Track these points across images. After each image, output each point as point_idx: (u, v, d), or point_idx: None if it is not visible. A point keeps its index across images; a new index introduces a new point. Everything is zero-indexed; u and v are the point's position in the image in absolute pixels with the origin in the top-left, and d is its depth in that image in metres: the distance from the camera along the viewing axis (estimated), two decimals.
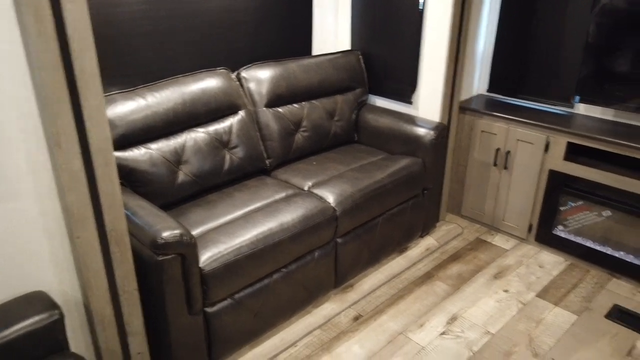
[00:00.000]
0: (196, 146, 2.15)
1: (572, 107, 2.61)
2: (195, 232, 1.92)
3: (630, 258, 2.38)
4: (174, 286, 1.64)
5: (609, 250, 2.44)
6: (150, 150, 2.02)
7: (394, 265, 2.56)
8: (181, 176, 2.09)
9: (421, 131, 2.56)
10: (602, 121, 2.47)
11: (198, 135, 2.17)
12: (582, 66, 2.41)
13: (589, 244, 2.50)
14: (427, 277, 2.48)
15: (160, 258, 1.58)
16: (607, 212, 2.41)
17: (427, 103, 2.66)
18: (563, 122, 2.46)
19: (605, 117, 2.51)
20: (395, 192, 2.40)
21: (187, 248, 1.63)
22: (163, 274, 1.60)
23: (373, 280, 2.45)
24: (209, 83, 2.23)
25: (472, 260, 2.61)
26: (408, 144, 2.60)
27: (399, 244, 2.61)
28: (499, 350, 2.00)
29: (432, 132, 2.52)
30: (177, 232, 1.60)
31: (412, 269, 2.54)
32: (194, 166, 2.13)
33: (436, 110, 2.63)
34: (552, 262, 2.58)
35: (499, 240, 2.79)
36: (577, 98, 2.44)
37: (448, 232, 2.86)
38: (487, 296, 2.33)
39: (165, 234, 1.58)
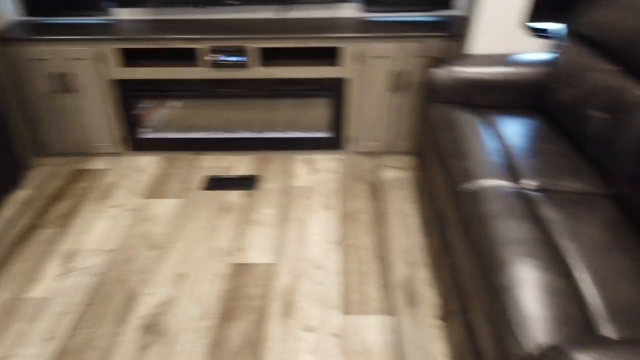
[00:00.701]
0: None
1: (112, 14, 2.65)
2: None
3: (206, 134, 2.77)
4: None
5: (190, 135, 2.77)
6: None
7: None
8: None
9: None
10: (140, 22, 2.62)
11: None
12: None
13: (173, 135, 2.77)
14: (30, 230, 2.28)
15: None
16: (176, 103, 2.69)
17: None
18: (109, 31, 2.49)
19: (142, 17, 2.66)
20: None
21: None
22: None
23: None
24: None
25: (74, 193, 2.53)
26: None
27: None
28: (121, 261, 2.09)
29: None
30: None
31: (11, 230, 2.28)
32: None
33: None
34: (149, 163, 2.76)
35: (96, 163, 2.77)
36: (108, 4, 2.48)
37: (42, 176, 2.65)
38: (98, 219, 2.34)
39: None
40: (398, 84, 2.48)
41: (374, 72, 2.46)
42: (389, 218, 2.26)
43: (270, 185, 2.54)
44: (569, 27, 2.01)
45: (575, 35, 1.95)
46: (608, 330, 1.08)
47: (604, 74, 1.67)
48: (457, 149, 1.75)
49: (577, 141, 1.77)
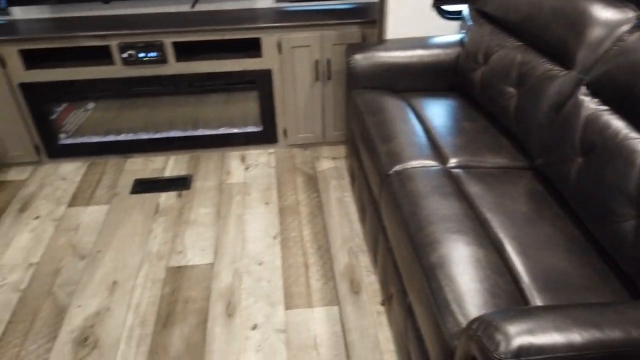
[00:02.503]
0: None
1: (8, 13, 2.45)
2: None
3: (131, 136, 2.65)
4: None
5: (113, 138, 2.64)
6: None
7: None
8: None
9: None
10: (43, 21, 2.44)
11: None
12: None
13: (96, 139, 2.63)
14: None
15: None
16: (91, 105, 2.54)
17: None
18: (7, 32, 2.31)
19: (44, 15, 2.49)
20: None
21: None
22: None
23: None
24: None
25: None
26: None
27: None
28: (46, 273, 1.96)
29: None
30: None
31: None
32: None
33: None
34: (72, 170, 2.60)
35: (14, 174, 2.57)
36: (3, 2, 2.29)
37: None
38: (19, 232, 2.18)
39: None
40: (322, 72, 2.49)
41: (296, 62, 2.45)
42: (328, 208, 2.27)
43: (204, 184, 2.47)
44: (471, 7, 2.10)
45: (479, 14, 2.04)
46: (538, 299, 1.14)
47: (510, 51, 1.76)
48: (382, 133, 1.78)
49: (495, 117, 1.86)
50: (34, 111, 2.46)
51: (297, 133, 2.68)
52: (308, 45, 2.40)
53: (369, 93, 2.05)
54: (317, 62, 2.45)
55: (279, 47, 2.40)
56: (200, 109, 2.62)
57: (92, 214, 2.28)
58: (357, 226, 2.15)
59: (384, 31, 2.21)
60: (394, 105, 1.93)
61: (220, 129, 2.69)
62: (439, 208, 1.36)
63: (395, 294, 1.49)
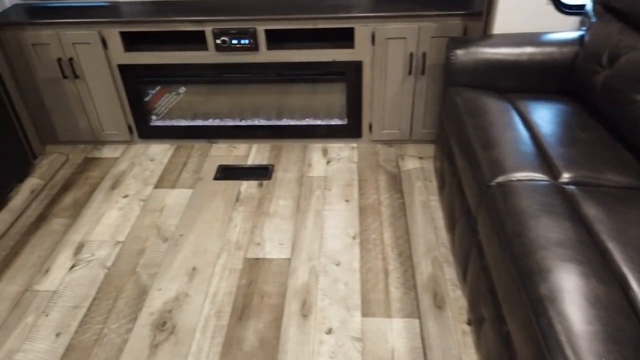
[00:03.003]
0: None
1: None
2: None
3: (217, 122, 2.67)
4: None
5: (201, 122, 2.67)
6: None
7: None
8: None
9: None
10: (143, 3, 2.50)
11: None
12: None
13: (184, 122, 2.67)
14: (40, 220, 2.22)
15: None
16: (182, 89, 2.58)
17: None
18: (111, 14, 2.38)
19: None
20: None
21: None
22: None
23: None
24: None
25: (85, 182, 2.45)
26: None
27: None
28: (131, 253, 2.02)
29: None
30: None
31: (21, 220, 2.22)
32: None
33: None
34: (160, 151, 2.67)
35: (107, 151, 2.69)
36: None
37: (51, 164, 2.57)
38: (108, 209, 2.26)
39: None
40: (416, 67, 2.35)
41: (389, 55, 2.33)
42: (412, 211, 2.15)
43: (285, 175, 2.44)
44: (595, 0, 1.85)
45: (605, 10, 1.80)
46: None
47: None
48: (483, 137, 1.62)
49: (618, 129, 1.63)
50: (129, 92, 2.54)
51: (382, 129, 2.56)
52: (404, 38, 2.27)
53: (469, 92, 1.89)
54: (411, 55, 2.31)
55: (373, 38, 2.29)
56: (286, 98, 2.58)
57: (176, 197, 2.33)
58: (444, 234, 2.01)
59: (491, 25, 2.02)
60: (497, 108, 1.76)
61: (304, 119, 2.64)
62: (549, 230, 1.20)
63: (489, 318, 1.35)
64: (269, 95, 2.58)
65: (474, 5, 2.25)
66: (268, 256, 1.97)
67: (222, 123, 2.66)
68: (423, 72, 2.35)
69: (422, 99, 2.45)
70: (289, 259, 1.95)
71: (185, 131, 2.68)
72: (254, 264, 1.94)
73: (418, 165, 2.44)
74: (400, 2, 2.34)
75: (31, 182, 2.43)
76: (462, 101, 1.84)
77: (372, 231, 2.07)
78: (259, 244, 2.04)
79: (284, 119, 2.65)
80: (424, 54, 2.30)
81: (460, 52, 1.93)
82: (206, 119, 2.68)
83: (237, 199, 2.29)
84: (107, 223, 2.18)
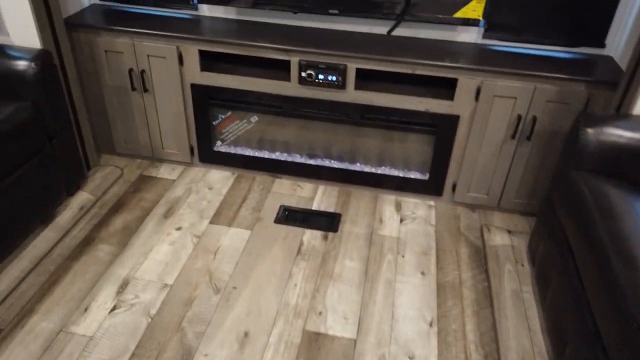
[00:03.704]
0: None
1: (196, 9, 2.35)
2: None
3: (284, 156, 2.44)
4: None
5: (266, 154, 2.45)
6: None
7: (40, 242, 2.01)
8: None
9: (19, 65, 1.91)
10: (227, 22, 2.31)
11: None
12: None
13: (249, 152, 2.46)
14: (86, 243, 2.04)
15: None
16: (254, 118, 2.37)
17: (17, 25, 1.98)
18: (191, 29, 2.20)
19: (230, 16, 2.35)
20: (2, 155, 1.77)
21: None
22: None
23: (14, 273, 1.87)
24: None
25: (137, 204, 2.27)
26: (4, 84, 1.92)
27: (40, 215, 2.04)
28: (179, 301, 1.80)
29: (34, 65, 1.91)
30: None
31: (66, 240, 2.05)
32: None
33: (33, 34, 1.99)
34: (220, 179, 2.46)
35: (164, 171, 2.50)
36: None
37: (105, 178, 2.41)
38: (159, 242, 2.06)
39: None
40: (523, 131, 2.05)
41: (493, 113, 2.04)
42: (500, 301, 1.85)
43: (353, 229, 2.18)
44: None
45: None
46: None
47: None
48: (625, 252, 1.31)
49: None
50: (198, 113, 2.35)
51: (467, 190, 2.28)
52: (513, 97, 1.98)
53: (599, 181, 1.58)
54: (519, 118, 2.02)
55: (478, 92, 2.01)
56: (363, 141, 2.33)
57: (233, 238, 2.11)
58: (541, 341, 1.70)
59: (632, 101, 1.71)
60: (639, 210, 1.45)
61: (380, 167, 2.38)
62: None
63: None
64: (344, 135, 2.34)
65: (604, 72, 1.94)
66: (331, 332, 1.71)
67: (289, 158, 2.44)
68: (529, 138, 2.05)
69: (521, 166, 2.15)
70: (355, 340, 1.69)
71: (249, 161, 2.46)
72: (314, 340, 1.68)
73: (507, 241, 2.13)
74: (516, 57, 2.06)
75: (82, 197, 2.27)
76: (591, 192, 1.53)
77: (453, 319, 1.78)
78: (320, 313, 1.78)
79: (358, 163, 2.40)
80: (534, 118, 2.00)
81: (592, 131, 1.63)
82: (273, 150, 2.46)
83: (299, 251, 2.05)
84: (156, 259, 1.98)
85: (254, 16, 2.32)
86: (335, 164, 2.40)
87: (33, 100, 1.93)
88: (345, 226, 2.20)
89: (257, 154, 2.46)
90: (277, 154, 2.45)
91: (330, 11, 2.10)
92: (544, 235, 1.85)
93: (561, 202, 1.72)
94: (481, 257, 2.06)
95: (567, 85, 1.92)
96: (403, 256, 2.05)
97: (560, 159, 1.78)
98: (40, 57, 1.93)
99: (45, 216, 2.09)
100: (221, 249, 2.05)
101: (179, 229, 2.14)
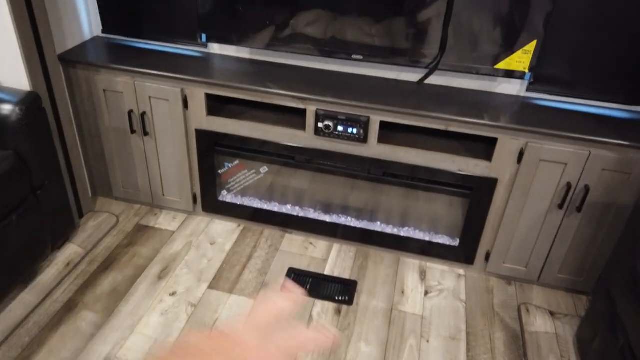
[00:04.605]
0: None
1: (205, 46, 2.14)
2: None
3: (296, 210, 2.19)
4: None
5: (276, 206, 2.21)
6: None
7: (17, 307, 1.79)
8: None
9: (2, 109, 1.70)
10: (239, 62, 2.08)
11: None
12: None
13: (257, 203, 2.22)
14: (67, 309, 1.80)
15: None
16: (264, 168, 2.13)
17: (3, 63, 1.78)
18: (198, 69, 1.98)
19: (242, 55, 2.13)
20: None
21: None
22: None
23: None
24: None
25: (130, 261, 2.03)
26: None
27: (20, 274, 1.81)
28: None
29: (18, 110, 1.70)
30: None
31: (46, 304, 1.82)
32: None
33: (21, 73, 1.78)
34: (224, 232, 2.22)
35: (164, 220, 2.27)
36: (204, 36, 1.96)
37: (98, 228, 2.18)
38: (149, 311, 1.82)
39: None
40: (572, 201, 1.77)
41: (538, 179, 1.76)
42: None
43: (370, 302, 1.91)
44: None
45: None
46: None
47: None
48: None
49: None
50: (203, 160, 2.12)
51: (503, 261, 1.99)
52: (563, 163, 1.71)
53: None
54: (568, 186, 1.74)
55: (521, 155, 1.74)
56: (385, 199, 2.07)
57: (232, 308, 1.85)
58: None
59: None
60: None
61: (403, 228, 2.11)
62: None
63: None
64: (364, 191, 2.08)
65: None
66: None
67: (301, 212, 2.18)
68: (579, 209, 1.77)
69: (568, 238, 1.86)
70: None
71: (257, 213, 2.22)
72: None
73: (550, 327, 1.83)
74: (566, 115, 1.79)
75: (70, 251, 2.04)
76: None
77: None
78: None
79: (378, 222, 2.13)
80: (587, 188, 1.72)
81: None
82: (283, 203, 2.21)
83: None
84: (144, 333, 1.73)
85: (268, 56, 2.10)
86: (352, 222, 2.14)
87: (15, 149, 1.72)
88: (362, 298, 1.93)
89: (266, 206, 2.21)
90: (289, 206, 2.21)
91: (354, 56, 1.86)
92: (600, 327, 1.55)
93: (623, 297, 1.42)
94: (519, 345, 1.77)
95: (628, 152, 1.64)
96: (427, 341, 1.77)
97: (621, 241, 1.49)
98: (27, 101, 1.72)
99: (25, 275, 1.87)
100: (219, 321, 1.79)
101: (173, 294, 1.89)
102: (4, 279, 1.73)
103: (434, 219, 2.06)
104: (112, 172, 2.25)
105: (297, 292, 0.47)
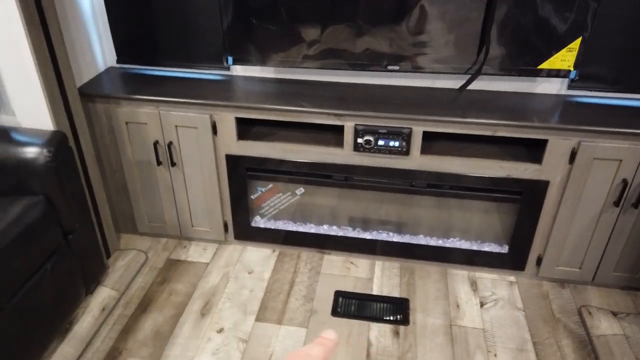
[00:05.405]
0: None
1: (228, 69, 2.06)
2: None
3: (334, 230, 2.11)
4: None
5: (312, 228, 2.12)
6: None
7: None
8: None
9: (28, 152, 1.59)
10: (265, 82, 2.01)
11: None
12: (223, 18, 1.83)
13: (292, 227, 2.13)
14: (112, 358, 1.69)
15: None
16: (300, 190, 2.04)
17: (25, 102, 1.67)
18: (224, 93, 1.90)
19: (267, 75, 2.05)
20: (8, 269, 1.44)
21: None
22: None
23: None
24: None
25: (168, 299, 1.93)
26: (10, 177, 1.60)
27: (58, 324, 1.69)
28: None
29: (46, 151, 1.59)
30: None
31: (88, 355, 1.70)
32: None
33: (44, 111, 1.68)
34: (260, 259, 2.12)
35: (194, 252, 2.17)
36: (230, 59, 1.88)
37: (128, 267, 2.07)
38: (200, 352, 1.71)
39: None
40: (629, 197, 1.72)
41: (591, 178, 1.72)
42: None
43: (427, 320, 1.83)
44: None
45: None
46: None
47: None
48: None
49: None
50: (234, 187, 2.03)
51: (555, 264, 1.93)
52: (618, 160, 1.66)
53: None
54: (624, 183, 1.69)
55: (573, 155, 1.69)
56: (427, 211, 2.01)
57: (286, 340, 1.75)
58: None
59: None
60: None
61: (448, 239, 2.04)
62: None
63: None
64: (404, 204, 2.01)
65: None
66: None
67: (339, 232, 2.10)
68: (636, 206, 1.72)
69: (623, 236, 1.81)
70: None
71: (291, 236, 2.13)
72: None
73: (617, 329, 1.77)
74: (613, 111, 1.74)
75: (103, 295, 1.92)
76: None
77: None
78: None
79: (421, 235, 2.06)
80: None
81: None
82: (320, 223, 2.13)
83: (368, 354, 1.70)
84: None
85: (294, 74, 2.03)
86: (394, 237, 2.07)
87: (45, 193, 1.61)
88: (417, 316, 1.85)
89: (301, 228, 2.13)
90: (325, 227, 2.12)
91: (390, 67, 1.80)
92: None
93: None
94: (589, 351, 1.70)
95: None
96: (495, 355, 1.69)
97: None
98: (54, 142, 1.61)
99: (63, 326, 1.75)
100: (275, 355, 1.70)
101: (220, 331, 1.79)
102: (44, 332, 1.62)
103: (480, 227, 2.00)
104: (137, 207, 2.14)
105: (329, 338, 0.48)
